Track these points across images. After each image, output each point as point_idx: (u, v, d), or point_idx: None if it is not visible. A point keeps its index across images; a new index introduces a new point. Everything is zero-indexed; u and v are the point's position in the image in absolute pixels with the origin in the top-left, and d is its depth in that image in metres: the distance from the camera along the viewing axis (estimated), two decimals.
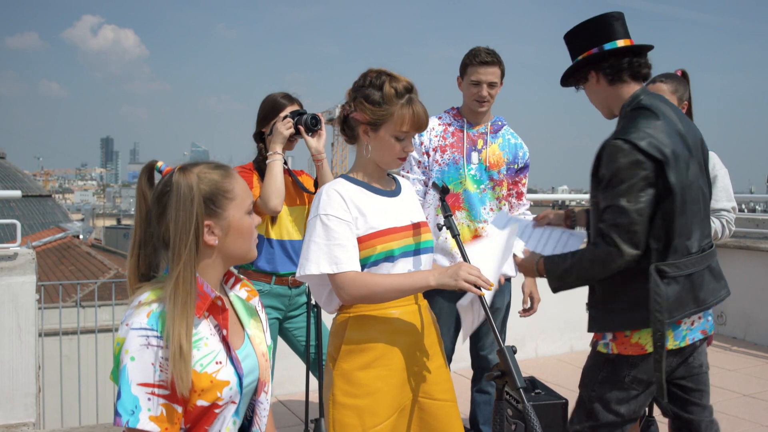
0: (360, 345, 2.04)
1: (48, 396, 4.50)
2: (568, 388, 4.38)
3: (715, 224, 2.90)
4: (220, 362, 1.51)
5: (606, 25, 2.28)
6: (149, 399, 1.39)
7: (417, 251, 2.12)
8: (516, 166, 3.22)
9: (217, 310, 1.54)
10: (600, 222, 2.18)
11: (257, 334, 1.67)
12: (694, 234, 2.21)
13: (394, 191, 2.17)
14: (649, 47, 2.31)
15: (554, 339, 5.67)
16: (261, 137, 2.98)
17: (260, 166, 2.92)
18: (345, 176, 2.13)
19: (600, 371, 2.28)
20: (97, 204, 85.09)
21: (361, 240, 2.02)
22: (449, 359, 2.97)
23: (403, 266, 2.08)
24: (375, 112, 2.01)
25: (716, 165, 2.95)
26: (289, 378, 4.18)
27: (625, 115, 2.26)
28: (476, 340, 3.23)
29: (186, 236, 1.47)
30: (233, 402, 1.54)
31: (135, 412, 1.38)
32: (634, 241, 2.13)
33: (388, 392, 2.02)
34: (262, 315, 1.74)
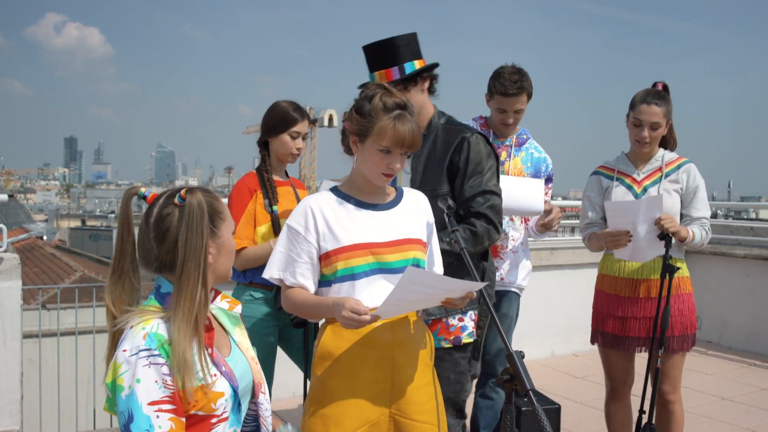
0: (331, 353, 2.04)
1: (24, 402, 4.40)
2: (552, 392, 4.45)
3: (702, 232, 2.97)
4: (215, 375, 1.55)
5: (415, 42, 2.59)
6: (158, 416, 1.43)
7: (393, 269, 2.03)
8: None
9: (205, 329, 1.57)
10: (470, 205, 2.41)
11: (243, 340, 1.71)
12: None
13: (386, 204, 2.12)
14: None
15: (536, 344, 5.74)
16: (266, 145, 2.96)
17: (263, 175, 2.91)
18: (333, 187, 2.15)
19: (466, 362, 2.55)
20: (61, 204, 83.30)
21: (327, 255, 2.03)
22: None
23: (373, 283, 2.02)
24: (361, 123, 2.03)
25: (696, 176, 3.02)
26: (278, 385, 4.15)
27: (450, 119, 2.59)
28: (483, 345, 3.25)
29: (198, 254, 1.51)
30: (225, 411, 1.58)
31: (150, 431, 1.42)
32: (500, 220, 2.47)
33: (356, 404, 1.99)
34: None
